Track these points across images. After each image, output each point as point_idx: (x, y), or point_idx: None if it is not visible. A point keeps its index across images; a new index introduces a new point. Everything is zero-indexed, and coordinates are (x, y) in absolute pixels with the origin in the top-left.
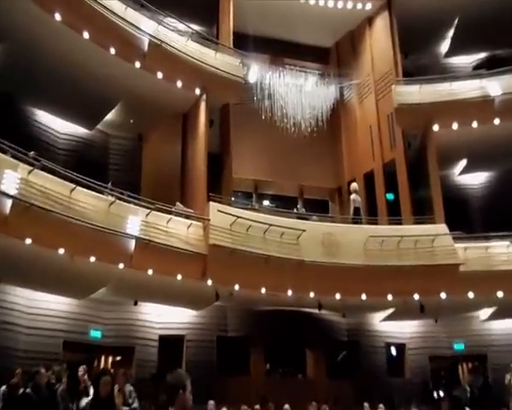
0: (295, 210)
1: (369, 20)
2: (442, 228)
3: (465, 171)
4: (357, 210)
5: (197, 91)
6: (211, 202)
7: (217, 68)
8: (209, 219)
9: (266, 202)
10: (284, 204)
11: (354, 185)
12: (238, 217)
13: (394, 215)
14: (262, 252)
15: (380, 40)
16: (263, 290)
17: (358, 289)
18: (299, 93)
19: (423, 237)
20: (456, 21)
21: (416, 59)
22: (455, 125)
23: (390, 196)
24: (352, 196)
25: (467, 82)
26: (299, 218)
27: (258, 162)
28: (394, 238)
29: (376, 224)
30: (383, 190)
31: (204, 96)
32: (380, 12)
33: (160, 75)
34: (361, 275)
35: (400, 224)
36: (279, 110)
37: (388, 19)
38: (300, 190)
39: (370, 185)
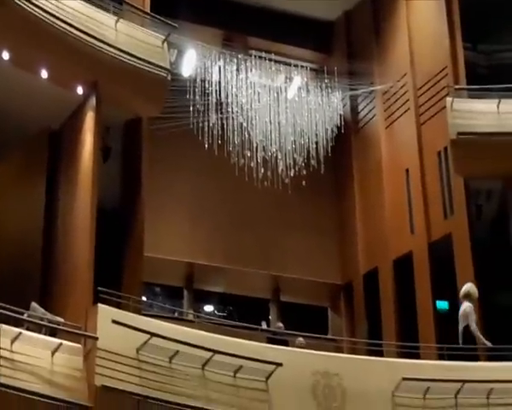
0: (264, 325)
1: None
2: None
3: None
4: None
5: (79, 91)
6: (100, 305)
7: (118, 50)
8: (96, 338)
9: (209, 308)
10: (243, 313)
11: (470, 288)
12: (153, 334)
13: (450, 341)
14: (198, 404)
15: (425, 12)
16: None
17: None
18: (276, 104)
19: (502, 385)
20: None
21: (492, 52)
22: None
23: (442, 305)
24: (466, 308)
25: None
26: (270, 340)
27: (194, 231)
28: (450, 385)
29: (416, 357)
30: (429, 293)
31: (93, 102)
32: None
33: (5, 55)
34: None
35: (462, 358)
36: (237, 134)
37: None
38: (275, 286)
39: (405, 282)
